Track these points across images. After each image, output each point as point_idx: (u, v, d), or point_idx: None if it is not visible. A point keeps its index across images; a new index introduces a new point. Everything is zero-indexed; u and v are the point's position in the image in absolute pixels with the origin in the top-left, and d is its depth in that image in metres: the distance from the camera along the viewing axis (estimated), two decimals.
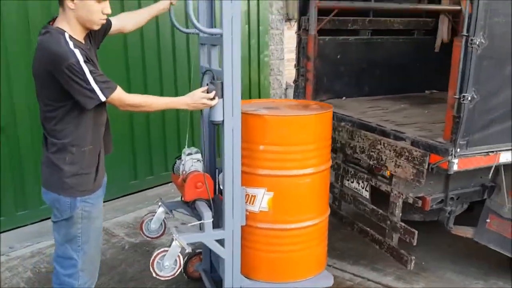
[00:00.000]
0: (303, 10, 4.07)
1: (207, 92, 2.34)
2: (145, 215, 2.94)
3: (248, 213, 2.60)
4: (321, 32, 4.06)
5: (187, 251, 2.45)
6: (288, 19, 7.27)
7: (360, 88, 4.41)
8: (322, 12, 4.02)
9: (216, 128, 2.80)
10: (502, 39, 2.52)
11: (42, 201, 4.09)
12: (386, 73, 4.53)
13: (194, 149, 2.76)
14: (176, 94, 5.35)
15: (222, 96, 2.34)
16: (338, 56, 4.29)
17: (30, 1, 4.00)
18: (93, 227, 2.26)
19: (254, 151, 2.60)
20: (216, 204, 2.63)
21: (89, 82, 1.99)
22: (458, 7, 4.60)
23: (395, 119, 3.44)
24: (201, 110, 2.65)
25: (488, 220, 3.19)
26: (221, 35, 2.28)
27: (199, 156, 2.75)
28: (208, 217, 2.47)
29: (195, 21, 2.30)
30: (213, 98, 2.33)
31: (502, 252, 3.14)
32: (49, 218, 4.12)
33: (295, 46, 4.29)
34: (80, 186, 2.16)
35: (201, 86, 2.74)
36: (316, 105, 3.03)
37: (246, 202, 2.60)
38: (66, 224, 2.19)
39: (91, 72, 1.99)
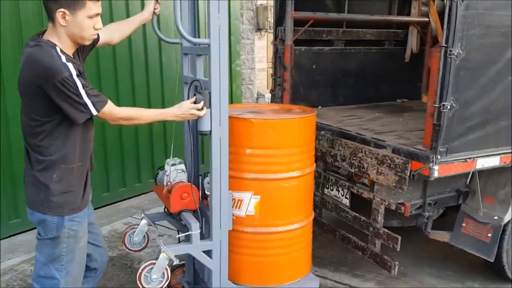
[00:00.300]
0: (279, 20, 4.12)
1: (195, 103, 2.32)
2: (127, 228, 2.87)
3: (234, 217, 2.58)
4: (297, 42, 4.13)
5: (174, 263, 2.41)
6: (259, 29, 7.35)
7: (335, 97, 4.49)
8: (298, 23, 4.09)
9: (200, 137, 2.77)
10: (478, 50, 2.63)
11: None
12: (359, 82, 4.63)
13: (177, 160, 2.73)
14: (149, 105, 5.30)
15: (210, 106, 2.33)
16: (314, 66, 4.36)
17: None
18: (79, 246, 2.19)
19: (241, 155, 2.60)
20: (203, 213, 2.60)
21: (81, 96, 1.94)
22: (427, 19, 4.79)
23: (373, 128, 3.52)
24: (188, 120, 2.62)
25: (463, 224, 3.30)
26: (209, 45, 2.27)
27: (183, 166, 2.71)
28: (195, 228, 2.43)
29: (184, 33, 2.29)
30: (201, 109, 2.32)
31: (478, 255, 3.25)
32: (18, 233, 4.06)
33: (265, 55, 4.35)
34: (68, 205, 2.09)
35: (183, 96, 2.74)
36: (299, 109, 3.06)
37: (232, 207, 2.59)
38: (51, 243, 2.11)
39: (83, 86, 1.94)
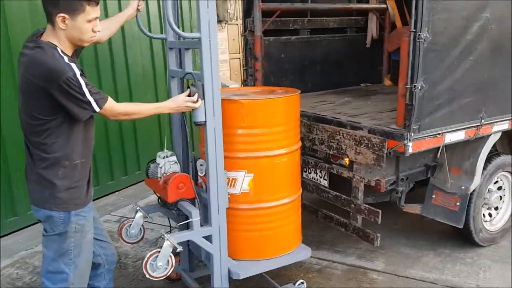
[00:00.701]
0: (248, 12, 4.22)
1: (189, 95, 2.41)
2: (123, 221, 2.93)
3: (229, 196, 2.68)
4: (265, 33, 4.25)
5: (178, 250, 2.50)
6: (219, 21, 7.39)
7: (304, 84, 4.65)
8: (266, 14, 4.21)
9: (189, 126, 2.85)
10: (443, 33, 2.85)
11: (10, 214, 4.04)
12: (325, 69, 4.83)
13: (169, 152, 2.81)
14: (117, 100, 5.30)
15: (203, 98, 2.43)
16: (282, 55, 4.50)
17: None
18: (86, 241, 2.24)
19: (233, 135, 2.71)
20: (201, 200, 2.70)
21: (85, 95, 1.99)
22: (384, 6, 5.04)
23: (346, 111, 3.70)
24: (183, 113, 2.70)
25: (433, 196, 3.56)
26: (200, 39, 2.36)
27: (175, 158, 2.80)
28: (196, 215, 2.54)
29: (176, 28, 2.37)
30: (196, 101, 2.41)
31: (448, 223, 3.52)
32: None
33: (226, 47, 4.45)
34: (74, 200, 2.14)
35: (170, 89, 2.82)
36: (281, 90, 3.19)
37: (227, 186, 2.69)
38: (59, 238, 2.16)
39: (86, 84, 1.99)
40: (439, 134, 3.05)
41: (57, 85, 1.94)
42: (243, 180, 2.75)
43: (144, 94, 5.58)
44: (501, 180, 3.83)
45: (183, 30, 2.81)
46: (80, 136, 2.13)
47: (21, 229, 4.32)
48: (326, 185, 3.62)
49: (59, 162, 2.08)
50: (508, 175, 3.83)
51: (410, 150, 2.94)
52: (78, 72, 1.97)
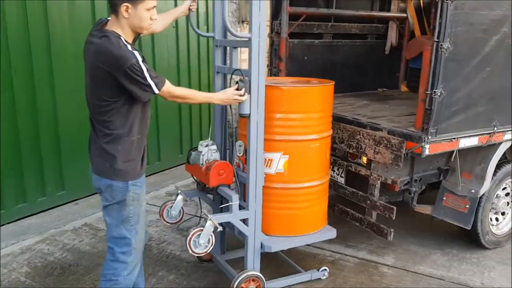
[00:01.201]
0: (275, 14, 4.44)
1: (237, 89, 2.66)
2: (164, 203, 3.16)
3: (265, 175, 2.91)
4: (290, 35, 4.46)
5: (219, 229, 2.74)
6: (242, 21, 7.61)
7: None
8: (292, 17, 4.42)
9: (226, 120, 3.11)
10: (463, 44, 3.04)
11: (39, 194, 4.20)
12: (345, 72, 5.01)
13: (210, 141, 3.04)
14: None
15: (250, 92, 2.67)
16: (305, 57, 4.71)
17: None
18: (142, 210, 2.50)
19: (272, 119, 2.94)
20: (240, 186, 2.96)
21: (146, 79, 2.22)
22: (405, 15, 5.24)
23: (365, 113, 3.91)
24: (230, 105, 2.93)
25: (444, 198, 3.75)
26: (250, 39, 2.59)
27: (215, 147, 3.03)
28: (236, 199, 2.79)
29: (231, 28, 2.65)
30: (243, 95, 2.65)
31: (457, 224, 3.71)
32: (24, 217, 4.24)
33: None
34: (131, 171, 2.38)
35: (215, 84, 3.09)
36: (316, 80, 3.41)
37: (264, 166, 2.92)
38: (118, 207, 2.40)
39: (147, 69, 2.23)
40: (454, 138, 3.25)
41: (123, 71, 2.17)
42: (279, 161, 2.98)
43: None
44: (509, 186, 4.02)
45: (207, 29, 3.07)
46: (138, 116, 2.37)
47: (49, 209, 4.55)
48: (343, 182, 3.83)
49: (120, 138, 2.32)
50: None
51: (427, 152, 3.14)
52: (140, 59, 2.21)
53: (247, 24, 7.98)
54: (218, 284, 3.34)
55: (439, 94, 3.01)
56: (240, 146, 2.94)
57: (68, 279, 3.37)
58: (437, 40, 2.95)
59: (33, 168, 4.37)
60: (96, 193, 4.85)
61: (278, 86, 3.00)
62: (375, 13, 5.22)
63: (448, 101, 3.10)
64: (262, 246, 2.94)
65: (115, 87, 2.23)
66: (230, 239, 3.60)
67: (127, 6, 2.22)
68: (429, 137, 3.09)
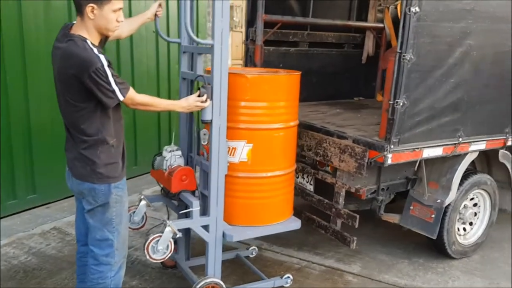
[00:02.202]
0: (251, 22, 4.46)
1: (199, 96, 2.67)
2: (128, 207, 3.14)
3: (229, 164, 2.90)
4: (265, 42, 4.49)
5: (178, 235, 2.73)
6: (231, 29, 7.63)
7: (300, 94, 4.86)
8: (267, 24, 4.45)
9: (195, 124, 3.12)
10: (426, 56, 3.08)
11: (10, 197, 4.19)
12: (321, 81, 5.05)
13: (175, 147, 3.05)
14: None
15: (212, 99, 2.68)
16: (281, 65, 4.73)
17: None
18: (124, 210, 2.52)
19: (236, 107, 2.93)
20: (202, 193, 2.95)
21: (110, 84, 2.23)
22: (382, 25, 5.29)
23: (335, 122, 3.93)
24: (192, 112, 2.95)
25: (411, 207, 3.78)
26: (213, 45, 2.61)
27: (180, 152, 3.04)
28: (196, 205, 2.79)
29: (192, 35, 2.65)
30: (205, 101, 2.66)
31: (423, 234, 3.73)
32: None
33: (229, 53, 4.65)
34: (112, 174, 2.39)
35: (180, 89, 3.10)
36: (283, 71, 3.42)
37: (228, 154, 2.91)
38: (102, 209, 2.42)
39: (112, 75, 2.23)
40: (417, 148, 3.28)
41: (88, 75, 2.17)
42: (243, 150, 2.97)
43: (145, 93, 5.81)
44: (477, 197, 4.05)
45: (197, 36, 3.08)
46: (112, 120, 2.37)
47: (20, 212, 4.52)
48: (312, 189, 3.84)
49: (97, 143, 2.33)
50: (484, 193, 4.05)
51: (389, 161, 3.17)
52: (105, 63, 2.20)
53: (230, 30, 8.03)
54: None
55: (401, 104, 3.04)
56: (204, 134, 2.91)
57: (30, 283, 3.35)
58: (399, 51, 2.98)
59: (4, 171, 4.33)
60: (68, 197, 4.95)
61: (243, 74, 3.00)
62: (352, 23, 5.27)
63: (411, 111, 3.13)
64: (224, 235, 2.92)
65: (83, 91, 2.23)
66: (198, 246, 3.61)
67: (92, 7, 2.22)
68: (392, 146, 3.12)
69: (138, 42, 5.64)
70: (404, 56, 2.97)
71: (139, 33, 5.54)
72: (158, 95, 6.04)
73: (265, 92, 2.99)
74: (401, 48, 2.97)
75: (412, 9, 2.89)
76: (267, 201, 3.12)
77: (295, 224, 3.26)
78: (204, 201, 2.94)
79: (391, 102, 3.07)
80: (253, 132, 2.99)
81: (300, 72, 3.22)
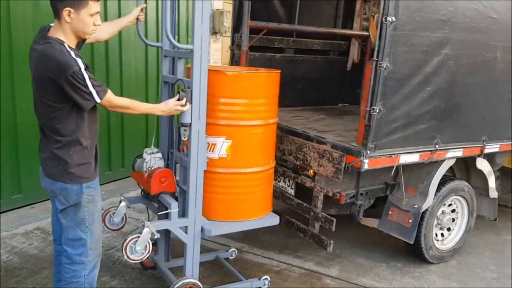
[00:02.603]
0: (236, 28, 4.54)
1: (179, 100, 2.73)
2: (107, 209, 3.19)
3: (208, 160, 2.95)
4: (251, 48, 4.57)
5: (156, 236, 2.78)
6: (214, 33, 7.72)
7: (285, 100, 4.86)
8: (253, 31, 4.53)
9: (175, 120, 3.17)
10: (403, 64, 3.16)
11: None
12: (306, 87, 5.14)
13: (155, 149, 3.11)
14: None
15: (191, 102, 2.74)
16: None
17: None
18: (97, 209, 2.56)
19: (216, 104, 2.99)
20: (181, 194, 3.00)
21: (88, 87, 2.27)
22: (367, 33, 5.38)
23: (316, 127, 4.01)
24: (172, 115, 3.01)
25: (390, 212, 3.85)
26: (192, 50, 2.67)
27: (160, 155, 3.09)
28: (175, 207, 2.84)
29: (172, 39, 2.72)
30: (185, 105, 2.72)
31: (401, 238, 3.80)
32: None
33: (219, 57, 4.76)
34: (84, 174, 2.44)
35: (162, 93, 3.17)
36: (264, 70, 3.48)
37: (207, 150, 2.96)
38: (74, 209, 2.46)
39: (89, 78, 2.28)
40: (394, 154, 3.35)
41: (64, 78, 2.22)
42: (222, 146, 3.03)
43: (134, 96, 5.85)
44: (455, 203, 4.13)
45: (179, 39, 3.14)
46: (87, 121, 2.42)
47: (5, 211, 4.54)
48: (293, 193, 3.90)
49: (71, 144, 2.38)
50: (462, 199, 4.13)
51: (366, 167, 3.24)
52: (82, 66, 2.26)
53: (220, 35, 8.10)
54: None
55: (377, 111, 3.12)
56: (185, 130, 2.93)
57: (10, 282, 3.37)
58: (376, 59, 3.06)
59: None
60: (48, 199, 4.97)
61: (223, 71, 3.05)
62: (338, 31, 5.36)
63: (388, 118, 3.20)
64: (202, 230, 2.97)
65: (60, 92, 2.28)
66: (178, 248, 3.65)
67: (69, 10, 2.27)
68: (368, 152, 3.19)
69: (127, 46, 5.69)
70: (380, 64, 3.04)
71: (128, 37, 5.62)
72: (147, 97, 6.10)
73: (244, 89, 3.05)
74: (377, 56, 3.05)
75: (389, 18, 2.97)
76: (245, 196, 3.17)
77: (274, 220, 3.31)
78: (183, 196, 2.99)
79: (367, 109, 3.15)
80: (232, 129, 3.04)
81: (279, 71, 3.28)
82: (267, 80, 3.18)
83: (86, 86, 2.27)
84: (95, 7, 2.34)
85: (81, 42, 2.49)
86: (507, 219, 5.26)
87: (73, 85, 2.24)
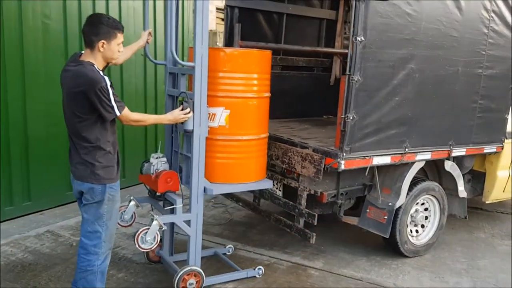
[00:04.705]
0: (228, 47, 5.01)
1: (182, 110, 3.22)
2: (119, 207, 3.59)
3: (209, 128, 3.38)
4: None
5: (163, 228, 3.21)
6: None
7: (274, 112, 5.30)
8: None
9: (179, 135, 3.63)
10: (372, 77, 3.63)
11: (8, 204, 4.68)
12: (293, 101, 5.61)
13: (160, 154, 3.56)
14: None
15: (193, 111, 3.21)
16: None
17: None
18: (115, 208, 2.98)
19: (216, 77, 3.42)
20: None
21: (110, 101, 2.72)
22: (347, 51, 5.87)
23: (301, 135, 4.46)
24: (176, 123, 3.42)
25: (368, 210, 4.28)
26: (194, 67, 3.16)
27: (165, 159, 3.54)
28: (180, 202, 3.29)
29: (177, 58, 3.20)
30: (188, 114, 3.20)
31: (377, 233, 4.22)
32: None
33: None
34: (108, 176, 2.87)
35: (166, 105, 3.64)
36: (257, 50, 3.92)
37: (208, 120, 3.37)
38: (96, 205, 2.88)
39: (112, 93, 2.73)
40: (367, 156, 3.81)
41: (94, 91, 2.66)
42: (221, 115, 3.47)
43: (134, 111, 6.32)
44: (427, 202, 4.58)
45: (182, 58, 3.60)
46: (109, 130, 2.86)
47: (15, 217, 4.93)
48: (280, 195, 4.33)
49: (95, 149, 2.81)
50: (433, 198, 4.58)
51: (342, 167, 3.68)
52: (108, 83, 2.72)
53: None
54: (163, 282, 3.76)
55: (351, 118, 3.58)
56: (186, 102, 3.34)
57: (27, 275, 3.76)
58: (348, 73, 3.53)
59: (3, 180, 4.77)
60: (60, 205, 5.39)
61: (222, 48, 3.51)
62: (321, 49, 5.86)
63: (360, 125, 3.66)
64: (205, 190, 3.39)
65: (88, 105, 2.72)
66: (179, 246, 4.07)
67: (103, 42, 2.76)
68: (344, 154, 3.64)
69: (127, 64, 6.14)
70: (352, 77, 3.51)
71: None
72: (145, 111, 6.54)
73: (240, 65, 3.53)
74: (349, 71, 3.52)
75: (358, 38, 3.46)
76: (242, 161, 3.62)
77: (267, 183, 3.79)
78: (187, 163, 3.44)
79: (342, 117, 3.61)
80: (230, 100, 3.49)
81: (271, 51, 3.78)
82: (259, 58, 3.65)
83: (110, 100, 2.72)
84: (121, 37, 2.84)
85: (106, 66, 2.96)
86: (479, 219, 5.71)
87: (100, 98, 2.69)
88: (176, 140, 3.65)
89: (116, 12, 5.83)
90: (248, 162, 3.66)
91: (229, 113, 3.48)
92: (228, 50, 3.54)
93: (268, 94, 3.75)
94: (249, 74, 3.56)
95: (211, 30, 8.12)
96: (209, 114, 3.41)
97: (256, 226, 5.10)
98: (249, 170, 3.67)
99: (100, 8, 5.58)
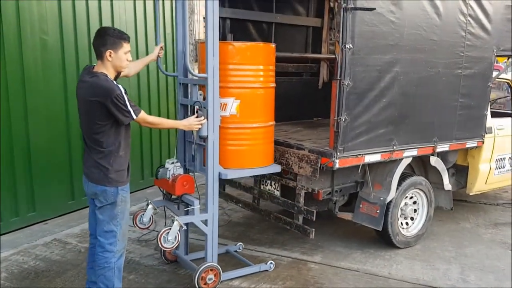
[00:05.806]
0: None
1: (197, 117, 3.47)
2: (138, 210, 3.82)
3: (221, 117, 3.61)
4: None
5: (183, 228, 3.46)
6: (197, 61, 8.45)
7: None
8: None
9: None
10: (361, 81, 3.91)
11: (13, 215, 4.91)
12: (284, 105, 5.77)
13: (175, 159, 3.81)
14: None
15: (207, 119, 3.46)
16: None
17: None
18: (127, 208, 3.21)
19: (226, 70, 3.67)
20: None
21: (127, 106, 2.95)
22: (333, 56, 6.16)
23: (295, 137, 4.72)
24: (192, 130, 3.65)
25: (361, 206, 4.55)
26: (207, 78, 3.40)
27: (179, 164, 3.78)
28: (197, 204, 3.54)
29: (192, 70, 3.44)
30: (202, 121, 3.45)
31: (371, 227, 4.50)
32: (3, 234, 4.78)
33: None
34: (120, 179, 3.10)
35: (179, 114, 3.88)
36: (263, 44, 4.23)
37: (220, 109, 3.61)
38: (110, 207, 3.10)
39: (127, 99, 2.96)
40: (359, 155, 4.08)
41: (110, 100, 2.89)
42: (232, 105, 3.74)
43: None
44: (415, 196, 4.87)
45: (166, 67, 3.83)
46: (122, 136, 3.08)
47: (21, 228, 5.08)
48: (279, 194, 4.58)
49: (111, 153, 3.04)
50: (421, 192, 4.87)
51: (337, 166, 3.95)
52: (123, 91, 2.94)
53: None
54: (172, 282, 3.97)
55: (343, 120, 3.85)
56: (200, 95, 3.60)
57: (42, 281, 3.94)
58: (339, 78, 3.80)
59: (8, 192, 4.92)
60: (63, 214, 5.55)
61: (231, 42, 3.79)
62: (309, 55, 6.14)
63: (352, 125, 3.94)
64: (220, 174, 3.65)
65: (105, 112, 2.93)
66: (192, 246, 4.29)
67: (110, 52, 2.99)
68: (338, 153, 3.90)
69: (143, 77, 6.42)
70: (343, 82, 3.79)
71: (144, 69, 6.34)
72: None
73: (248, 57, 3.80)
74: (340, 76, 3.79)
75: (347, 45, 3.73)
76: (253, 147, 3.89)
77: (276, 168, 4.09)
78: (200, 151, 3.75)
79: (335, 119, 3.88)
80: (240, 91, 3.76)
81: (274, 44, 4.07)
82: (265, 50, 3.93)
83: (126, 106, 2.95)
84: (127, 47, 3.07)
85: (117, 75, 3.18)
86: (464, 210, 6.04)
87: (116, 105, 2.91)
88: (190, 146, 3.89)
89: (108, 18, 6.03)
90: (258, 149, 3.93)
91: (239, 102, 3.74)
92: (237, 44, 3.81)
93: (273, 85, 4.02)
94: (256, 66, 3.83)
95: (199, 39, 8.33)
96: (221, 104, 3.65)
97: (254, 226, 5.34)
98: (259, 156, 3.95)
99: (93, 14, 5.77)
